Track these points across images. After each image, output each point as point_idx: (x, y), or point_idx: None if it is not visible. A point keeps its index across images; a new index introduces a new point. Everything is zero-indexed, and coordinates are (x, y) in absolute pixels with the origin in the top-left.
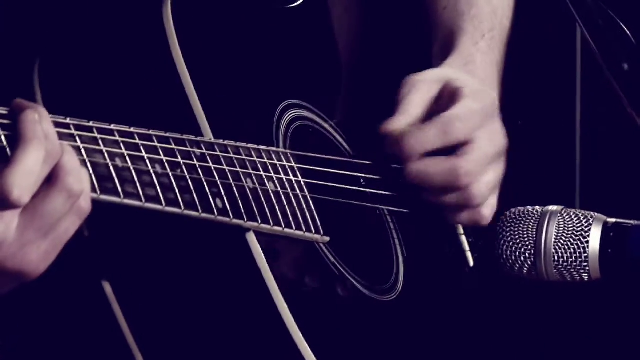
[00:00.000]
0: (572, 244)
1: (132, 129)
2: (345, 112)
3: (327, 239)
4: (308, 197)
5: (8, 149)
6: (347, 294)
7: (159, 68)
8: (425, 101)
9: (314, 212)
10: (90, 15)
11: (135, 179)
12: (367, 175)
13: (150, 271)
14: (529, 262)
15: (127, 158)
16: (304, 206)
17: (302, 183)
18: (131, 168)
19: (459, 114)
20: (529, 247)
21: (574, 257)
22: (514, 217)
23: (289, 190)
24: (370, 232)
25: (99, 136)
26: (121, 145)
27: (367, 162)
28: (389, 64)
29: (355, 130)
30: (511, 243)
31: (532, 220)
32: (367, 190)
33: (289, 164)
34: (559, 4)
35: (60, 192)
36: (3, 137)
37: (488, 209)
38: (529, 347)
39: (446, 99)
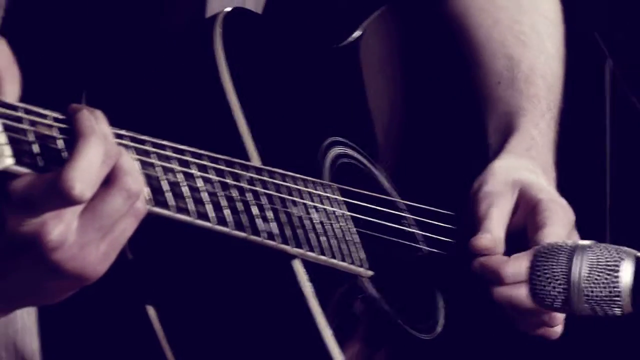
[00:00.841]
0: (603, 279)
1: (183, 147)
2: (390, 152)
3: (371, 273)
4: (352, 230)
5: (65, 153)
6: (387, 327)
7: (208, 97)
8: (506, 217)
9: (358, 245)
10: (136, 45)
11: (187, 195)
12: (410, 216)
13: (193, 295)
14: (561, 297)
15: (179, 174)
16: (349, 239)
17: (347, 216)
18: (183, 184)
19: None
20: (561, 281)
21: (605, 292)
22: (546, 251)
23: (334, 222)
24: (412, 271)
25: (152, 150)
26: (173, 160)
27: (411, 203)
28: (433, 107)
29: (399, 170)
30: (543, 277)
31: (564, 255)
32: (409, 230)
33: (335, 197)
34: (589, 38)
35: (119, 192)
36: (61, 141)
37: (561, 327)
38: None
39: (526, 209)
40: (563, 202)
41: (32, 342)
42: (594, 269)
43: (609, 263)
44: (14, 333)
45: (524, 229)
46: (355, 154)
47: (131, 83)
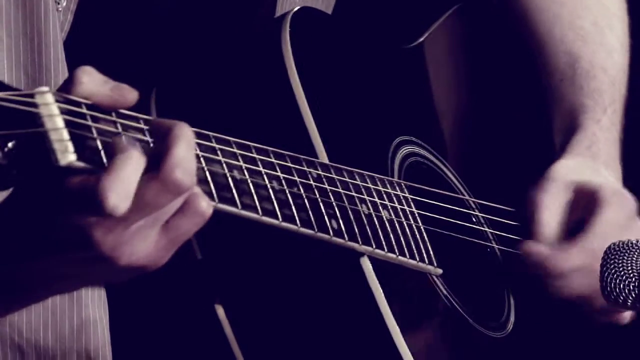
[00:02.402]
0: None
1: (249, 143)
2: (458, 150)
3: (440, 271)
4: (422, 227)
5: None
6: (458, 326)
7: (277, 96)
8: (558, 216)
9: (428, 243)
10: (206, 44)
11: (253, 191)
12: (479, 214)
13: (262, 294)
14: (634, 294)
15: (245, 171)
16: (418, 237)
17: (416, 214)
18: (249, 181)
19: (603, 231)
20: (633, 278)
21: None
22: (618, 248)
23: (403, 220)
24: (482, 269)
25: (217, 146)
26: (239, 157)
27: (480, 202)
28: (500, 104)
29: (468, 169)
30: (615, 275)
31: (637, 252)
32: (479, 228)
33: (403, 194)
34: None
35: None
36: (124, 137)
37: (629, 315)
38: None
39: (584, 204)
40: (624, 191)
41: (103, 337)
42: None
43: None
44: (87, 344)
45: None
46: (425, 153)
47: (200, 81)
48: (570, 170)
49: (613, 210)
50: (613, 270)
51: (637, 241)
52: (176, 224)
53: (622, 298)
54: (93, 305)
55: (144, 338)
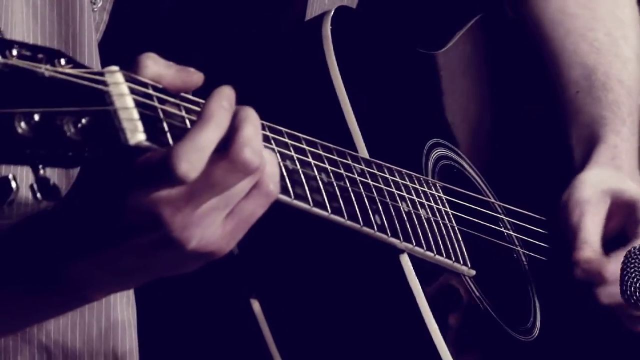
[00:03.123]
0: None
1: (298, 134)
2: (484, 155)
3: (474, 272)
4: (456, 228)
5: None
6: (491, 328)
7: (319, 94)
8: (601, 224)
9: (462, 243)
10: (242, 45)
11: (304, 182)
12: (505, 218)
13: (298, 289)
14: None
15: (297, 161)
16: (453, 237)
17: (450, 214)
18: (300, 171)
19: None
20: None
21: None
22: (638, 252)
23: (439, 219)
24: (510, 272)
25: (270, 135)
26: (290, 147)
27: (508, 206)
28: (523, 112)
29: (494, 174)
30: (635, 279)
31: None
32: (506, 232)
33: (438, 194)
34: None
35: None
36: (188, 120)
37: None
38: None
39: (623, 213)
40: None
41: (130, 339)
42: None
43: None
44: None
45: (622, 232)
46: (455, 156)
47: (240, 78)
48: (599, 179)
49: None
50: (633, 274)
51: None
52: (242, 206)
53: None
54: (122, 306)
55: (173, 336)
